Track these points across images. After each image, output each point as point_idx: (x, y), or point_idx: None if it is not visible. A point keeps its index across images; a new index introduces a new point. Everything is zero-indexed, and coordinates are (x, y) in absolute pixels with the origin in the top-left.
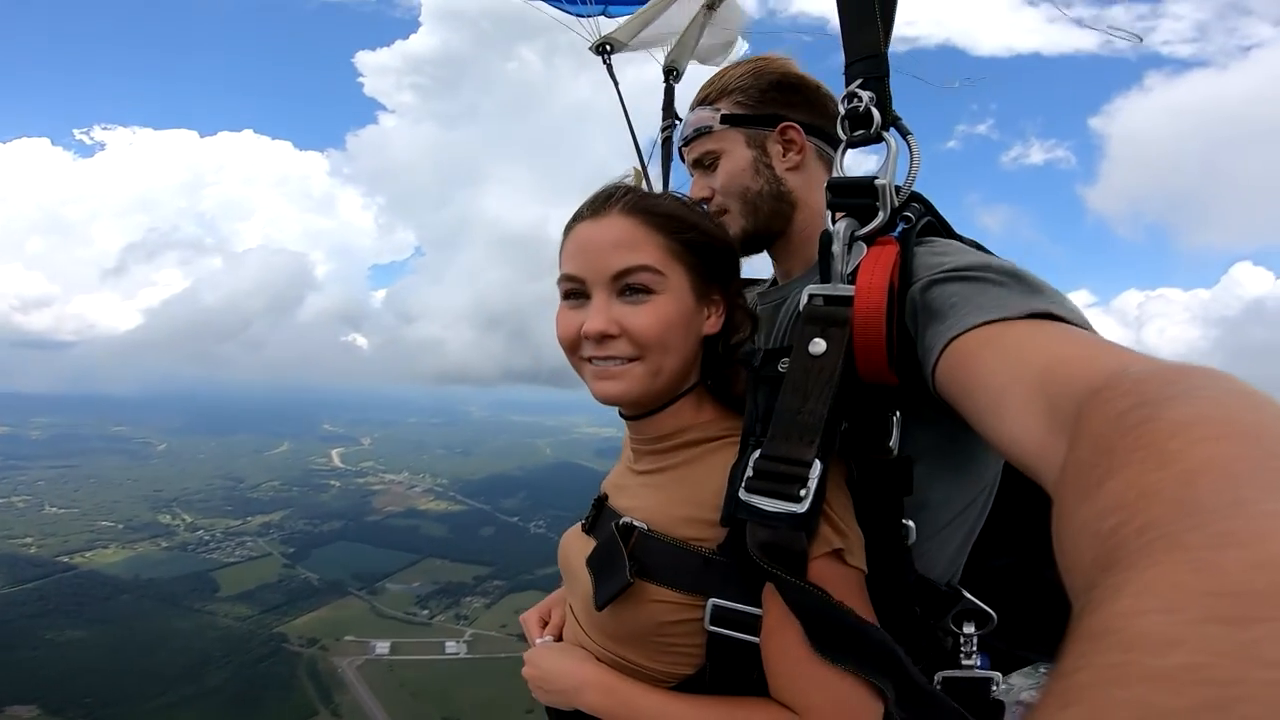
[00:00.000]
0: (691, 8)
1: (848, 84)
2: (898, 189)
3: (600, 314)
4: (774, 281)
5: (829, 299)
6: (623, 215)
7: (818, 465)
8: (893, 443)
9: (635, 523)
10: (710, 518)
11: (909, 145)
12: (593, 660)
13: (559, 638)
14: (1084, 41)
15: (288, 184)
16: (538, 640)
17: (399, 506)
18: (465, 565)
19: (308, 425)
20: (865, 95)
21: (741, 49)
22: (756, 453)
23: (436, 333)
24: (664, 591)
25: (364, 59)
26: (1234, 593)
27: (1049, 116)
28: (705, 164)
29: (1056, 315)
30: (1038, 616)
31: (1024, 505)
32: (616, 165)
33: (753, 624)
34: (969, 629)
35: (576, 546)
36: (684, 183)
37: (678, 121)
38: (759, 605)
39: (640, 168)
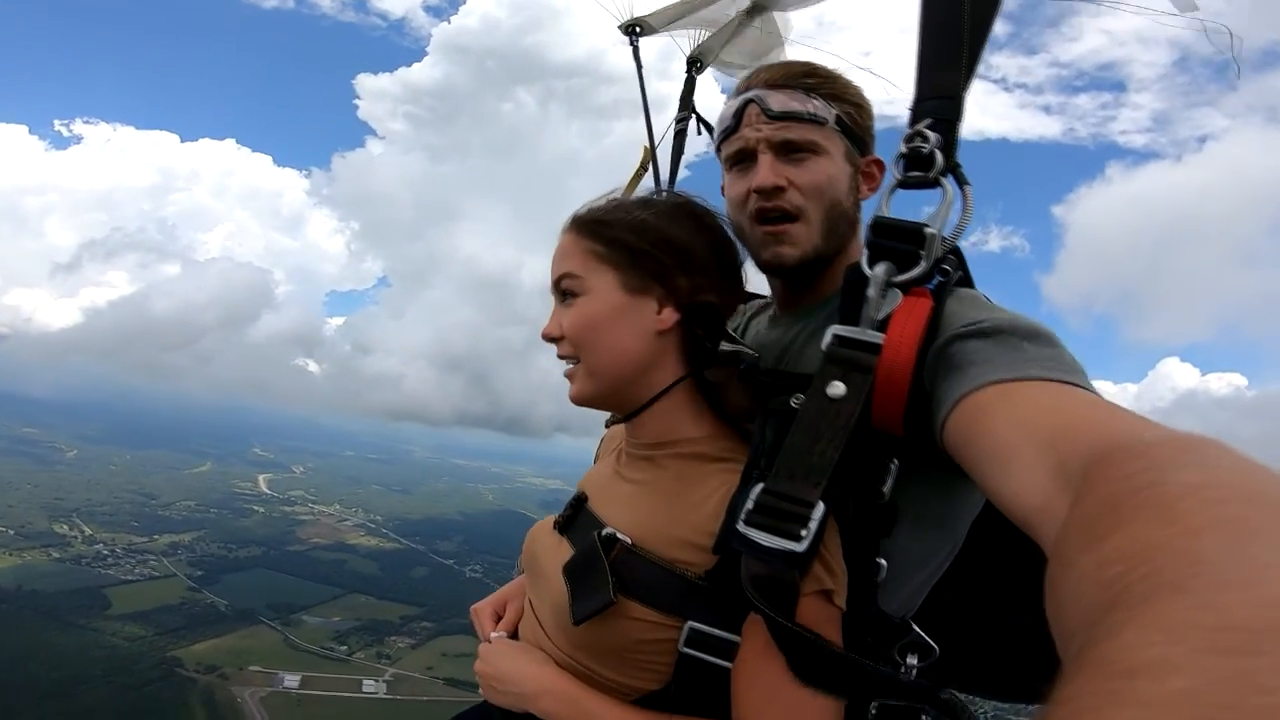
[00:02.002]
0: (730, 7)
1: (913, 122)
2: (942, 239)
3: (551, 318)
4: (766, 307)
5: (855, 343)
6: (567, 234)
7: (821, 507)
8: (886, 488)
9: (620, 535)
10: (702, 542)
11: (964, 196)
12: (553, 665)
13: (514, 635)
14: (1050, 129)
15: (258, 199)
16: (491, 635)
17: (326, 539)
18: (393, 604)
19: (237, 447)
20: (934, 137)
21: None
22: (759, 486)
23: (393, 367)
24: (644, 610)
25: (364, 82)
26: (1234, 628)
27: (1010, 202)
28: (793, 151)
29: (1071, 380)
30: (971, 656)
31: (978, 552)
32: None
33: (727, 649)
34: (911, 660)
35: (548, 545)
36: (700, 176)
37: (694, 114)
38: (737, 632)
39: (650, 147)
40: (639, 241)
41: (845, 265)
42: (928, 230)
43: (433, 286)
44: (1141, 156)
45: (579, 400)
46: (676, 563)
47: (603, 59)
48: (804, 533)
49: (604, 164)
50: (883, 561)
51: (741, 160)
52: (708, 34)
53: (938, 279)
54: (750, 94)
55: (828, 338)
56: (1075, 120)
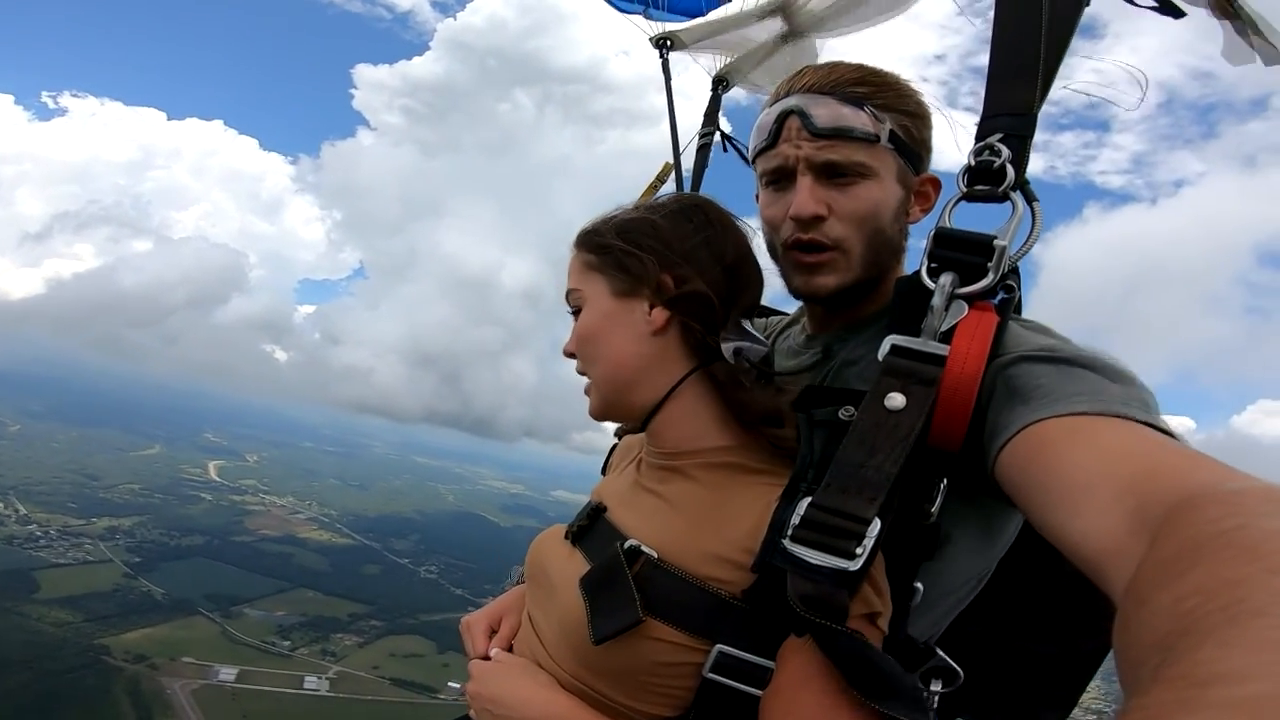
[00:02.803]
0: (763, 32)
1: (981, 136)
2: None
3: (569, 338)
4: (794, 323)
5: (917, 354)
6: (571, 250)
7: (877, 524)
8: (935, 509)
9: (644, 548)
10: (739, 559)
11: (1034, 212)
12: (559, 689)
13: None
14: (1033, 165)
15: (238, 181)
16: (490, 651)
17: (276, 531)
18: (341, 600)
19: (188, 431)
20: (1005, 151)
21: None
22: (806, 500)
23: (364, 360)
24: (670, 631)
25: (362, 72)
26: None
27: None
28: (837, 174)
29: (1149, 421)
30: (989, 683)
31: (1003, 579)
32: (580, 226)
33: (756, 675)
34: (935, 686)
35: (559, 555)
36: (731, 190)
37: (718, 131)
38: (770, 657)
39: (675, 160)
40: (623, 242)
41: (885, 288)
42: (998, 243)
43: (411, 281)
44: (1119, 198)
45: (595, 415)
46: (709, 580)
47: (603, 68)
48: (859, 551)
49: (595, 171)
50: (919, 585)
51: (779, 179)
52: (735, 55)
53: (1001, 295)
54: (792, 103)
55: (885, 347)
56: (1057, 158)
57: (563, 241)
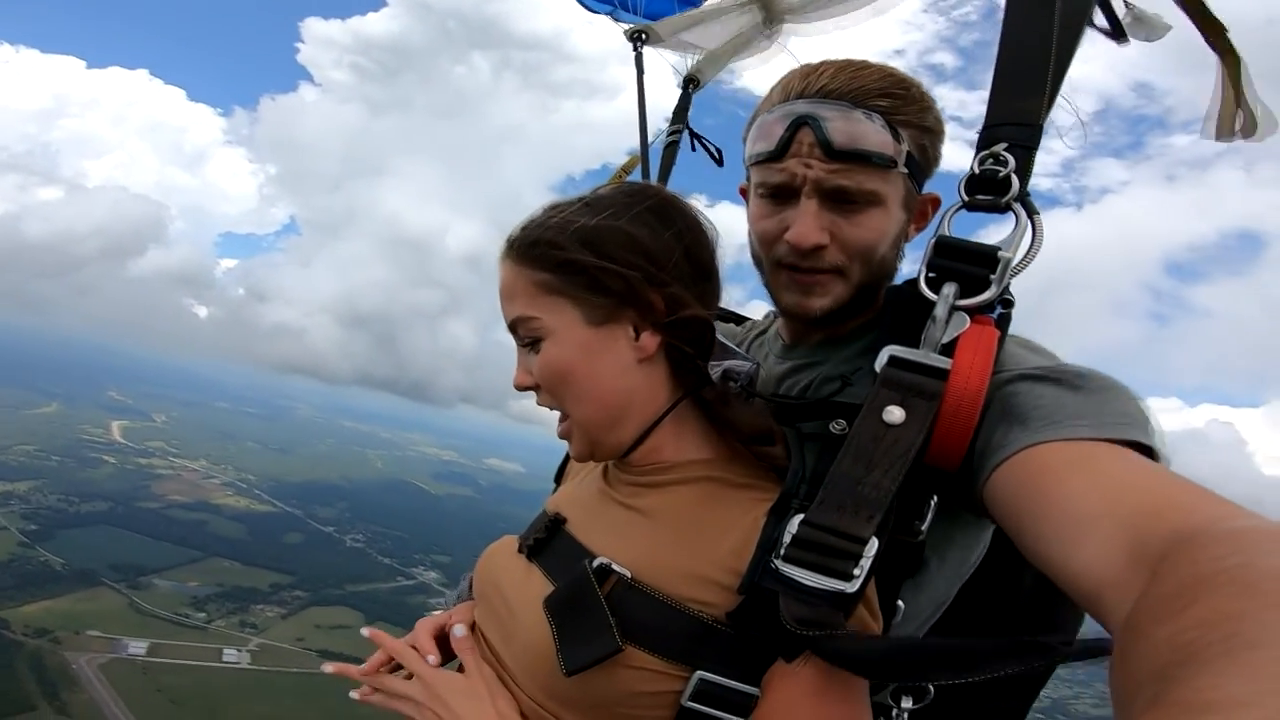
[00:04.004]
0: (739, 26)
1: (984, 145)
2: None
3: (518, 366)
4: (764, 331)
5: (918, 367)
6: (506, 263)
7: (874, 544)
8: (924, 526)
9: (615, 566)
10: (723, 580)
11: (1035, 225)
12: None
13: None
14: (965, 160)
15: (160, 132)
16: (430, 660)
17: (187, 497)
18: (261, 570)
19: (89, 388)
20: (1011, 161)
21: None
22: (798, 518)
23: (294, 319)
24: (648, 658)
25: (312, 26)
26: None
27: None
28: (845, 200)
29: (1147, 443)
30: (958, 698)
31: (973, 596)
32: (529, 193)
33: (739, 703)
34: (906, 704)
35: (514, 571)
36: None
37: (687, 129)
38: (753, 683)
39: (642, 157)
40: (593, 257)
41: (872, 304)
42: (1002, 254)
43: (347, 240)
44: (1047, 201)
45: (580, 458)
46: (689, 602)
47: (567, 38)
48: (856, 572)
49: (547, 140)
50: (901, 603)
51: (779, 194)
52: (707, 51)
53: (999, 310)
54: (806, 110)
55: (883, 358)
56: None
57: (510, 207)
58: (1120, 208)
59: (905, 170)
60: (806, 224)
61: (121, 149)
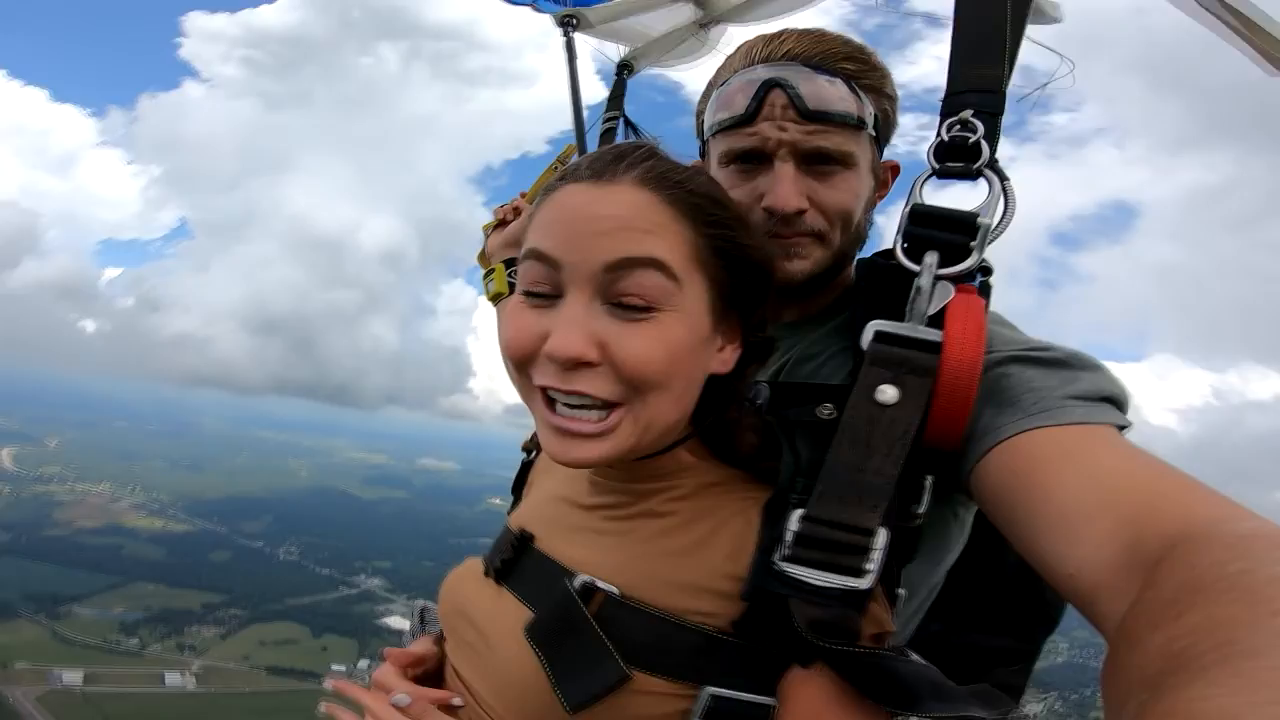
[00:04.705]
0: (674, 17)
1: (948, 113)
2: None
3: (576, 327)
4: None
5: (907, 340)
6: (638, 187)
7: (883, 535)
8: (922, 509)
9: (600, 584)
10: (721, 587)
11: (1006, 191)
12: None
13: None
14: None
15: (20, 135)
16: (400, 698)
17: (95, 521)
18: (190, 591)
19: None
20: (980, 126)
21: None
22: (797, 513)
23: (196, 328)
24: (654, 681)
25: (195, 20)
26: None
27: None
28: (821, 161)
29: (1124, 425)
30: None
31: (961, 576)
32: (446, 185)
33: (753, 715)
34: None
35: (483, 598)
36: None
37: (623, 116)
38: (767, 692)
39: (579, 145)
40: (751, 251)
41: (839, 281)
42: (981, 220)
43: (249, 242)
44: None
45: (594, 465)
46: (688, 614)
47: (480, 26)
48: (869, 566)
49: (464, 130)
50: (902, 592)
51: (749, 159)
52: (641, 41)
53: (979, 279)
54: (776, 74)
55: (868, 334)
56: (897, 137)
57: (428, 201)
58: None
59: (873, 133)
60: (786, 188)
61: None
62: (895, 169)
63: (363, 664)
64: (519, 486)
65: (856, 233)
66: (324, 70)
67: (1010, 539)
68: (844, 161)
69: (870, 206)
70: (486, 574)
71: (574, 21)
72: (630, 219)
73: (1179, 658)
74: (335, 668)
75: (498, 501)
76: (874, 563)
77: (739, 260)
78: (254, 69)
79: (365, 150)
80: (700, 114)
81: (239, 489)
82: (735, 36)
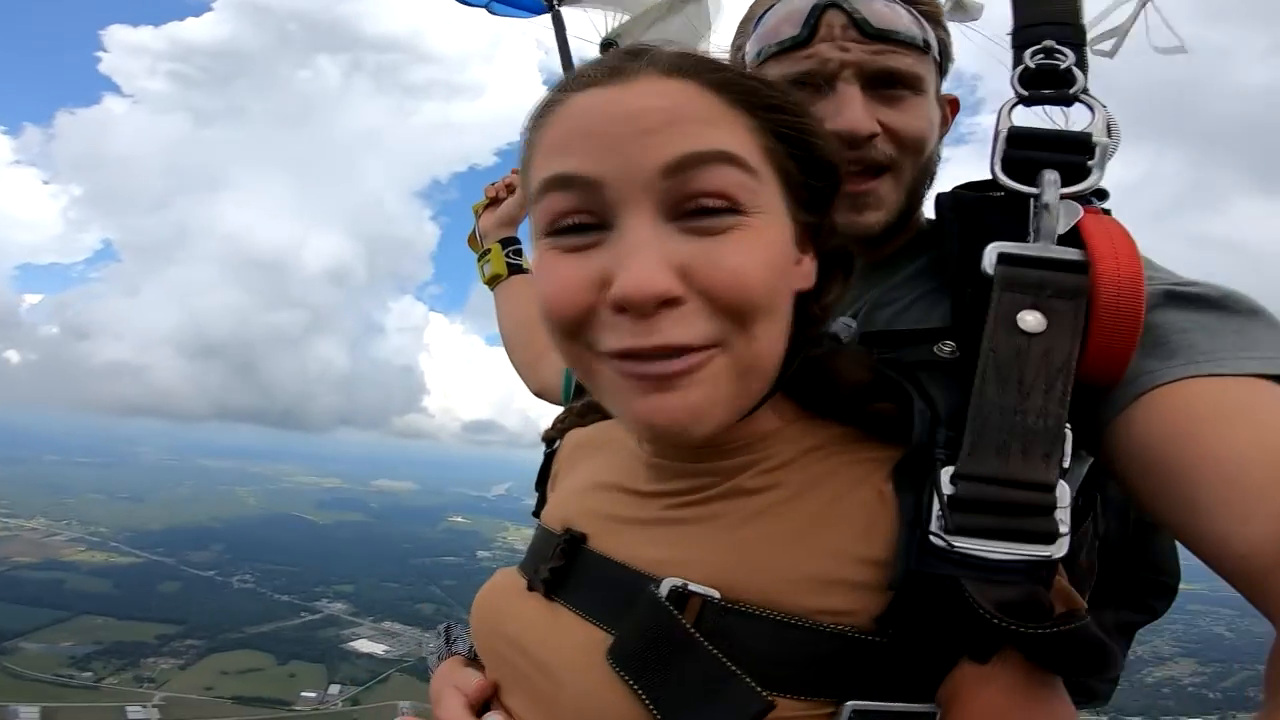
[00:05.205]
0: None
1: (1022, 45)
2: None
3: (650, 253)
4: None
5: (1044, 262)
6: (672, 77)
7: (1064, 489)
8: (1065, 462)
9: (695, 587)
10: (854, 576)
11: (1110, 117)
12: None
13: None
14: None
15: None
16: None
17: (32, 557)
18: (140, 623)
19: None
20: (1070, 54)
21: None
22: (946, 473)
23: (128, 355)
24: (788, 703)
25: (117, 34)
26: None
27: None
28: (888, 85)
29: None
30: None
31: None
32: (392, 200)
33: None
34: None
35: (534, 618)
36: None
37: None
38: (927, 700)
39: None
40: (817, 140)
41: (910, 224)
42: (1098, 139)
43: (181, 263)
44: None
45: (700, 425)
46: (816, 615)
47: (423, 38)
48: (1062, 529)
49: (408, 144)
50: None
51: (805, 85)
52: (626, 16)
53: (1102, 206)
54: None
55: (990, 256)
56: None
57: (373, 217)
58: (946, 181)
59: (938, 59)
60: (856, 110)
61: None
62: (955, 104)
63: (333, 689)
64: (543, 480)
65: (927, 166)
66: (259, 84)
67: (1149, 507)
68: (914, 85)
69: (940, 138)
70: (531, 588)
71: None
72: (680, 108)
73: None
74: (305, 694)
75: (460, 519)
76: (1064, 524)
77: (807, 147)
78: (182, 83)
79: (306, 166)
80: (738, 50)
81: (184, 519)
82: (729, 6)
